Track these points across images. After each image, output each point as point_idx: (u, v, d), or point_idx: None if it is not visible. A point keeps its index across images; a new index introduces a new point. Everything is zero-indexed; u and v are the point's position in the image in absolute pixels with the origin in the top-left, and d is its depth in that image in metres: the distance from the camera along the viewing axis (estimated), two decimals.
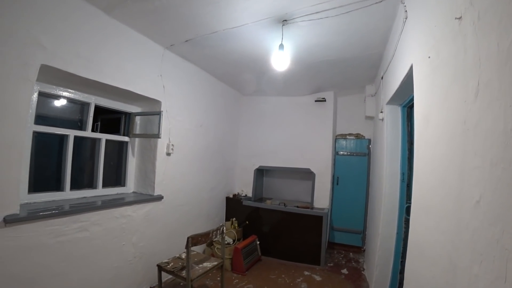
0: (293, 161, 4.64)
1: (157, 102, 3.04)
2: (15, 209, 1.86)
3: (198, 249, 3.75)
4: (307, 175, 4.65)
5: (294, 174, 4.85)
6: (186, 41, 2.86)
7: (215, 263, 2.71)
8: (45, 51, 1.97)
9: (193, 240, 2.36)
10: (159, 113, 2.85)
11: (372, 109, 4.18)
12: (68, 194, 2.53)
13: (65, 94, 2.49)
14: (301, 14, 2.35)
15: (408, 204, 2.83)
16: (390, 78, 2.73)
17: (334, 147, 4.70)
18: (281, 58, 2.53)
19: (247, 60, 3.29)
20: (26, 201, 2.22)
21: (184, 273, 2.42)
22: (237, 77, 4.03)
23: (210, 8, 2.29)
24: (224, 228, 2.76)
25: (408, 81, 2.12)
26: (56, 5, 2.03)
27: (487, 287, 0.87)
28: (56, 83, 2.38)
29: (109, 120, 3.25)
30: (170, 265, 2.59)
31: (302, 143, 4.63)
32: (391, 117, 3.01)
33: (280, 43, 2.53)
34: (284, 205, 4.17)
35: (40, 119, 2.36)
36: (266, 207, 4.26)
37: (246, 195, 4.64)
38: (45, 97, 2.41)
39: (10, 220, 1.80)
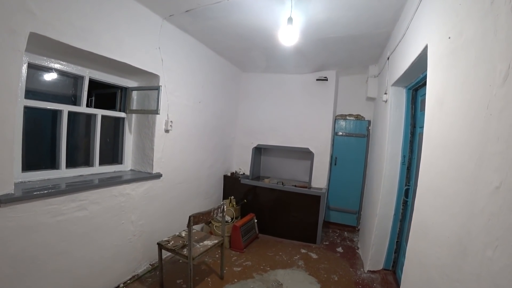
0: (292, 140, 4.64)
1: (155, 77, 2.94)
2: (9, 189, 1.81)
3: (197, 227, 3.80)
4: (306, 154, 4.67)
5: (292, 153, 4.86)
6: (187, 11, 2.71)
7: (216, 241, 2.75)
8: (35, 18, 1.83)
9: (194, 219, 2.37)
10: (157, 88, 2.75)
11: (374, 90, 4.16)
12: (64, 172, 2.48)
13: (57, 66, 2.37)
14: None
15: (407, 187, 2.90)
16: (398, 59, 2.68)
17: (334, 128, 4.69)
18: (289, 33, 2.44)
19: (251, 34, 3.16)
20: (20, 180, 2.17)
21: (185, 251, 2.46)
22: (238, 52, 3.89)
23: None
24: (225, 206, 2.77)
25: (419, 62, 2.09)
26: None
27: (502, 270, 0.89)
28: (47, 54, 2.25)
29: (104, 95, 3.14)
30: (171, 243, 2.61)
31: (301, 123, 4.61)
32: (396, 99, 3.00)
33: (289, 16, 2.42)
34: (282, 184, 4.21)
35: (31, 93, 2.25)
36: (264, 186, 4.30)
37: (244, 174, 4.66)
38: (35, 69, 2.28)
39: (6, 200, 1.76)
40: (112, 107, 3.09)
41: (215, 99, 4.10)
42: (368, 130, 4.56)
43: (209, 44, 3.63)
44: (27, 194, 1.90)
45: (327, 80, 4.44)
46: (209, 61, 3.84)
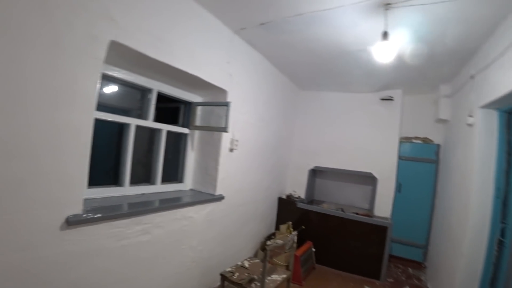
0: (352, 163, 4.15)
1: (223, 92, 2.68)
2: (78, 209, 1.57)
3: (249, 252, 3.42)
4: (366, 179, 4.17)
5: (350, 178, 4.37)
6: (261, 24, 2.45)
7: (284, 276, 2.35)
8: (116, 26, 1.65)
9: (270, 253, 1.99)
10: (226, 104, 2.48)
11: (446, 111, 3.63)
12: (127, 190, 2.24)
13: (128, 78, 2.17)
14: None
15: (503, 225, 2.34)
16: (492, 78, 2.25)
17: (399, 151, 4.17)
18: (385, 48, 2.07)
19: (325, 49, 2.83)
20: (86, 197, 1.93)
21: (253, 287, 2.07)
22: (300, 68, 3.58)
23: None
24: (296, 238, 2.37)
25: None
26: None
27: None
28: (119, 65, 2.06)
29: (166, 109, 2.93)
30: (236, 275, 2.24)
31: (363, 145, 4.13)
32: (486, 122, 2.51)
33: (383, 30, 2.08)
34: (342, 210, 3.73)
35: (100, 105, 2.07)
36: (321, 211, 3.84)
37: (299, 197, 4.24)
38: (106, 80, 2.11)
39: (73, 222, 1.51)
40: (172, 122, 2.86)
41: (276, 117, 3.80)
42: (437, 155, 3.98)
43: (273, 59, 3.36)
44: (95, 216, 1.63)
45: (392, 99, 3.97)
46: (272, 77, 3.57)
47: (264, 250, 3.29)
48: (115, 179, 2.27)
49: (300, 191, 4.32)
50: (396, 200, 4.14)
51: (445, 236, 3.23)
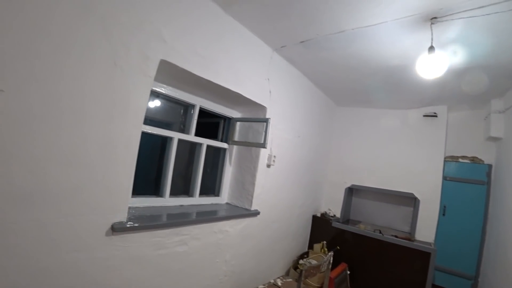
0: (392, 183, 3.91)
1: (262, 108, 2.70)
2: (123, 216, 1.63)
3: (280, 270, 3.31)
4: (406, 200, 3.88)
5: (389, 198, 4.08)
6: (302, 42, 2.46)
7: None
8: (166, 46, 1.74)
9: (305, 273, 1.91)
10: (265, 120, 2.49)
11: (499, 128, 3.31)
12: (167, 201, 2.30)
13: (173, 94, 2.28)
14: (458, 9, 1.78)
15: None
16: None
17: (443, 171, 3.85)
18: (431, 64, 1.97)
19: (366, 64, 2.76)
20: (129, 205, 2.01)
21: None
22: (339, 85, 3.51)
23: (346, 2, 1.86)
24: (331, 258, 2.25)
25: None
26: None
27: None
28: (166, 82, 2.16)
29: (205, 124, 3.01)
30: None
31: (404, 163, 3.89)
32: None
33: (429, 45, 1.98)
34: (380, 232, 3.49)
35: (145, 118, 2.17)
36: (357, 232, 3.62)
37: (334, 215, 4.07)
38: (153, 96, 2.22)
39: (118, 229, 1.57)
40: (212, 136, 2.92)
41: (312, 133, 3.73)
42: (488, 176, 3.62)
43: (311, 76, 3.33)
44: (138, 224, 1.69)
45: (436, 116, 3.72)
46: (309, 94, 3.53)
47: (297, 269, 3.18)
48: (156, 190, 2.35)
49: (335, 210, 4.15)
50: (440, 224, 3.80)
51: (499, 269, 2.89)
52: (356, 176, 4.17)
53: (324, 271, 2.26)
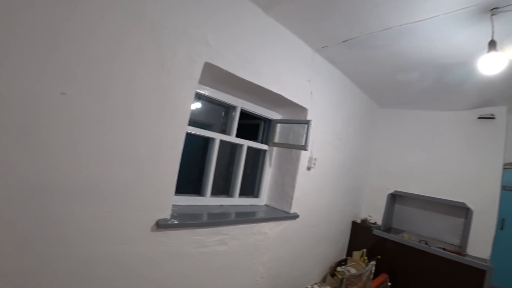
0: (441, 190, 3.53)
1: (303, 110, 2.64)
2: (167, 214, 1.68)
3: (317, 276, 3.19)
4: (457, 210, 3.50)
5: (437, 207, 3.69)
6: (344, 41, 2.34)
7: None
8: (210, 49, 1.77)
9: (347, 282, 1.80)
10: (307, 122, 2.42)
11: None
12: (208, 200, 2.33)
13: (216, 96, 2.31)
14: None
15: None
16: None
17: (502, 180, 3.42)
18: (493, 59, 1.75)
19: (416, 62, 2.54)
20: (172, 203, 2.08)
21: None
22: (383, 85, 3.29)
23: None
24: (374, 268, 2.10)
25: None
26: (221, 0, 1.81)
27: None
28: (209, 84, 2.20)
29: (246, 125, 3.01)
30: None
31: (455, 170, 3.51)
32: None
33: (490, 39, 1.76)
34: (426, 243, 3.20)
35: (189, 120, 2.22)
36: (400, 242, 3.34)
37: (375, 222, 3.83)
38: (196, 98, 2.27)
39: (162, 226, 1.63)
40: (252, 138, 2.91)
41: (353, 136, 3.56)
42: None
43: (353, 76, 3.17)
44: (181, 222, 1.73)
45: (494, 118, 3.31)
46: (351, 95, 3.36)
47: (334, 276, 3.05)
48: (197, 189, 2.39)
49: (376, 217, 3.89)
50: (497, 239, 3.39)
51: None
52: (400, 181, 3.86)
53: (365, 281, 2.12)
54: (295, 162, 2.65)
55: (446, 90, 3.08)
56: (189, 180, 2.48)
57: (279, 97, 2.37)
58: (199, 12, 1.69)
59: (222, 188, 2.64)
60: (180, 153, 1.72)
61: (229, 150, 2.71)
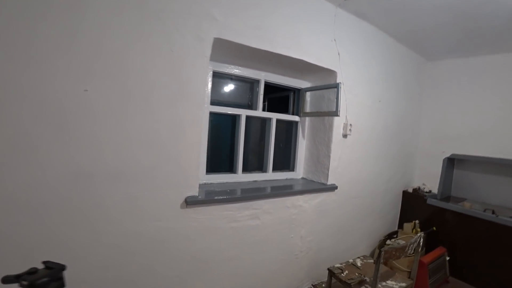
0: (510, 150, 3.06)
1: (331, 73, 2.51)
2: (194, 191, 1.81)
3: (364, 250, 3.18)
4: None
5: (506, 170, 3.17)
6: None
7: (403, 284, 2.04)
8: (217, 24, 1.77)
9: (385, 254, 1.80)
10: (336, 86, 2.31)
11: None
12: (240, 177, 2.44)
13: (236, 71, 2.33)
14: None
15: None
16: None
17: None
18: None
19: (457, 1, 2.20)
20: (204, 181, 2.25)
21: None
22: (426, 34, 2.90)
23: None
24: (421, 240, 2.05)
25: None
26: None
27: None
28: (226, 61, 2.23)
29: (277, 99, 3.02)
30: (345, 273, 2.12)
31: None
32: None
33: None
34: (493, 212, 2.83)
35: (215, 100, 2.32)
36: (462, 211, 3.02)
37: (430, 191, 3.53)
38: (217, 77, 2.35)
39: (191, 202, 1.77)
40: (285, 111, 2.93)
41: (397, 97, 3.28)
42: None
43: (388, 29, 2.86)
44: (208, 199, 1.87)
45: None
46: (389, 51, 3.07)
47: (379, 253, 3.02)
48: (230, 167, 2.53)
49: (431, 185, 3.58)
50: None
51: None
52: (457, 143, 3.46)
53: (412, 254, 2.08)
54: (328, 130, 2.57)
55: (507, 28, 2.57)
56: (222, 159, 2.62)
57: (302, 63, 2.28)
58: None
59: (256, 164, 2.73)
60: (201, 132, 1.81)
61: (259, 126, 2.76)
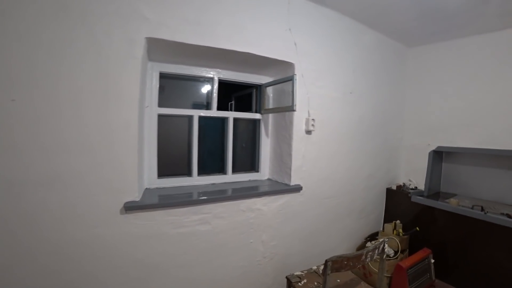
0: (500, 140, 2.83)
1: (289, 65, 2.40)
2: (134, 196, 1.78)
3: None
4: None
5: (498, 161, 2.91)
6: None
7: None
8: (149, 23, 1.74)
9: (334, 265, 1.69)
10: (291, 78, 2.20)
11: None
12: (196, 180, 2.39)
13: (186, 72, 2.32)
14: None
15: None
16: None
17: None
18: None
19: None
20: (156, 186, 2.23)
21: None
22: (403, 17, 2.73)
23: None
24: (386, 246, 1.92)
25: None
26: None
27: None
28: (175, 61, 2.21)
29: (243, 96, 2.98)
30: (303, 282, 2.02)
31: None
32: None
33: None
34: (482, 209, 2.57)
35: (166, 102, 2.29)
36: (447, 209, 2.78)
37: (416, 188, 3.34)
38: (169, 79, 2.32)
39: (130, 208, 1.73)
40: (248, 109, 2.87)
41: (373, 87, 3.11)
42: None
43: (355, 15, 2.71)
44: (148, 203, 1.82)
45: None
46: (360, 38, 2.91)
47: (326, 264, 2.90)
48: (186, 170, 2.47)
49: (418, 181, 3.39)
50: None
51: None
52: (444, 135, 3.25)
53: (370, 261, 1.94)
54: (289, 126, 2.47)
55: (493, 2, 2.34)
56: (180, 162, 2.59)
57: (251, 57, 2.19)
58: None
59: (217, 166, 2.67)
60: (136, 135, 1.76)
61: (220, 126, 2.72)
